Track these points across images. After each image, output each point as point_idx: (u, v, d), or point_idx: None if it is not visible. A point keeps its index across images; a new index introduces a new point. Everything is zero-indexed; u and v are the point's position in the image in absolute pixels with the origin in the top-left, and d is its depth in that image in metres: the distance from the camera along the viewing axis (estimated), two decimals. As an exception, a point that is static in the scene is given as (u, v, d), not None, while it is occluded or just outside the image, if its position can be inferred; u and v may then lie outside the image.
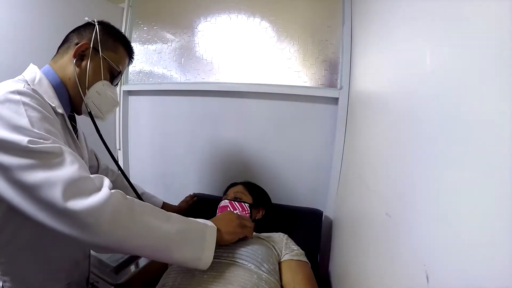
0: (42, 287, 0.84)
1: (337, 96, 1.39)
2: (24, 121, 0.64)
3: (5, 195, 0.63)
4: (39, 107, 0.69)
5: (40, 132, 0.65)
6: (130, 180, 1.07)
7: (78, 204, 0.61)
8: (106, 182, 0.69)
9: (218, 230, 0.84)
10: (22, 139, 0.62)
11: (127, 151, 2.00)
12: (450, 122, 0.41)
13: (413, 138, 0.55)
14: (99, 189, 0.66)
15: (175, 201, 1.49)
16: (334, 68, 1.44)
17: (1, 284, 0.76)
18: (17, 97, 0.67)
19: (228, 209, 1.17)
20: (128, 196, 0.71)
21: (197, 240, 0.78)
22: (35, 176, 0.61)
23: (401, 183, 0.59)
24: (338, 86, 1.42)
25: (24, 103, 0.67)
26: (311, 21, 1.48)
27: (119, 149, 1.98)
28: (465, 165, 0.37)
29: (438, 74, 0.47)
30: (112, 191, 0.67)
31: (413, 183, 0.53)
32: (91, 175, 0.68)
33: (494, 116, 0.32)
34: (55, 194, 0.60)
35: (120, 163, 1.95)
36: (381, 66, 0.85)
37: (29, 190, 0.61)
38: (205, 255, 0.77)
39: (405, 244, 0.53)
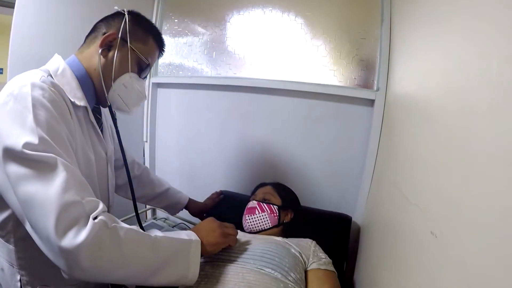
0: (58, 283, 0.83)
1: (373, 98, 1.31)
2: (29, 119, 0.63)
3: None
4: (48, 104, 0.67)
5: (42, 135, 0.63)
6: (156, 173, 1.06)
7: (60, 239, 0.58)
8: (95, 211, 0.64)
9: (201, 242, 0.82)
10: (18, 143, 0.60)
11: (154, 144, 1.99)
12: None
13: (467, 154, 0.48)
14: (85, 221, 0.61)
15: (200, 197, 1.48)
16: (371, 68, 1.36)
17: (19, 278, 0.78)
18: (28, 90, 0.66)
19: (257, 211, 1.13)
20: (112, 225, 0.65)
21: (183, 260, 0.77)
22: (27, 189, 0.60)
23: (451, 200, 0.52)
24: (375, 88, 1.35)
25: (34, 98, 0.65)
26: (348, 18, 1.40)
27: (146, 141, 1.98)
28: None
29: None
30: (96, 221, 0.62)
31: (469, 202, 0.46)
32: (79, 201, 0.63)
33: None
34: (40, 218, 0.60)
35: (147, 155, 1.97)
36: (428, 69, 0.78)
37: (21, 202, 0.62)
38: (191, 272, 0.77)
39: (457, 274, 0.46)
